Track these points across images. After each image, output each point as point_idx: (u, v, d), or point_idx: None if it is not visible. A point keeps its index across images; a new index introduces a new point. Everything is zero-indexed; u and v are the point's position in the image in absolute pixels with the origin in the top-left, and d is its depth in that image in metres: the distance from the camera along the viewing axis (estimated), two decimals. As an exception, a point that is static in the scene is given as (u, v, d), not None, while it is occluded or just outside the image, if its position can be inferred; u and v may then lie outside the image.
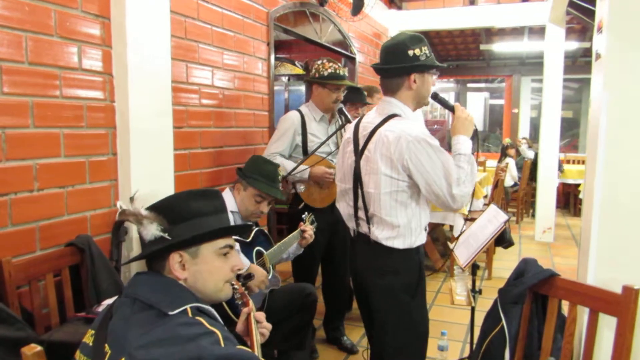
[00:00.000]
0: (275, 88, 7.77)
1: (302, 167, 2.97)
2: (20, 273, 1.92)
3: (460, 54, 9.80)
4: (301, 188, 3.09)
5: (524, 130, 9.97)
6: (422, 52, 1.99)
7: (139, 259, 1.38)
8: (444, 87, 12.52)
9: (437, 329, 3.46)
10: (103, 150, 2.37)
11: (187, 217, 1.35)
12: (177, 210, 1.35)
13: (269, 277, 2.47)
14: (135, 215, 1.31)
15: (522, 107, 10.05)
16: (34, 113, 2.05)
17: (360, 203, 2.06)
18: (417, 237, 2.03)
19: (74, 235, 2.21)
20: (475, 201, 5.85)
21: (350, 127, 2.19)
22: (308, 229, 2.67)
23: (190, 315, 1.21)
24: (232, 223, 2.40)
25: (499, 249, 5.89)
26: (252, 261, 2.38)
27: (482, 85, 13.04)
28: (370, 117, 2.08)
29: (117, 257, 2.37)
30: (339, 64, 3.12)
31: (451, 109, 2.10)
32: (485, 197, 6.28)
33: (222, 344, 1.14)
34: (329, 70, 3.05)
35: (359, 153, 2.04)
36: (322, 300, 3.52)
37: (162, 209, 1.34)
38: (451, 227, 5.22)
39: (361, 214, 2.07)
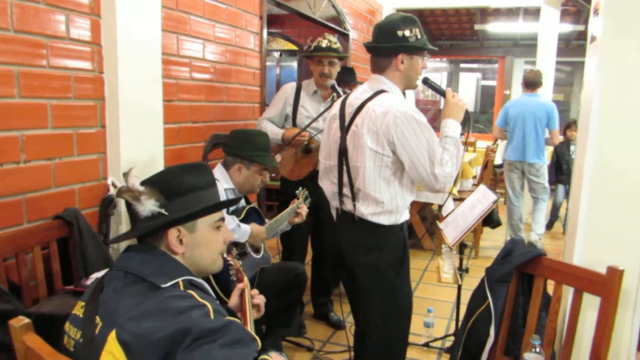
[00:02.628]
0: (268, 63, 7.73)
1: (275, 130, 3.00)
2: (7, 245, 1.90)
3: (454, 33, 9.74)
4: (278, 158, 3.09)
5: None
6: (412, 33, 1.98)
7: (136, 235, 1.36)
8: (437, 66, 12.47)
9: (423, 306, 3.51)
10: (91, 123, 2.33)
11: (183, 191, 1.34)
12: (173, 185, 1.34)
13: (260, 255, 2.48)
14: (132, 191, 1.29)
15: (513, 89, 10.04)
16: (20, 83, 2.01)
17: (345, 179, 2.06)
18: (402, 214, 2.05)
19: (62, 208, 2.18)
20: (465, 181, 5.89)
21: (337, 104, 2.18)
22: (303, 208, 2.67)
23: (181, 288, 1.22)
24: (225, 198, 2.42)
25: (486, 229, 5.95)
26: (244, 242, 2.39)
27: (475, 65, 13.01)
28: (358, 93, 2.07)
29: (105, 230, 2.35)
30: (331, 38, 3.08)
31: (442, 93, 2.10)
32: (475, 177, 6.31)
33: (212, 317, 1.15)
34: (315, 44, 3.03)
35: (345, 129, 2.03)
36: (310, 276, 3.55)
37: (157, 184, 1.33)
38: (440, 206, 5.25)
39: (346, 190, 2.07)
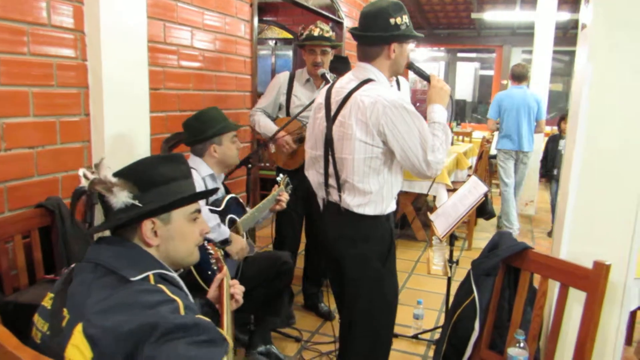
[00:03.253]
0: (262, 52, 7.67)
1: (272, 127, 2.98)
2: (-15, 234, 1.88)
3: (452, 22, 9.66)
4: (272, 149, 3.08)
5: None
6: (402, 21, 1.94)
7: (109, 227, 1.33)
8: (435, 55, 12.39)
9: (414, 297, 3.50)
10: (75, 111, 2.30)
11: (157, 183, 1.31)
12: (147, 177, 1.31)
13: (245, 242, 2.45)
14: (105, 183, 1.26)
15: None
16: (0, 70, 1.97)
17: (331, 170, 2.03)
18: (388, 205, 2.02)
19: (45, 196, 2.16)
20: (460, 172, 5.87)
21: (322, 93, 2.14)
22: (283, 196, 2.63)
23: (152, 282, 1.19)
24: (209, 187, 2.39)
25: (480, 220, 5.94)
26: None
27: (473, 55, 12.93)
28: (344, 82, 2.03)
29: (90, 219, 2.32)
30: (323, 26, 3.03)
31: (427, 78, 2.07)
32: (470, 168, 6.29)
33: (182, 313, 1.12)
34: (306, 33, 3.00)
35: (331, 119, 2.00)
36: (303, 265, 3.54)
37: (130, 176, 1.29)
38: (434, 197, 5.23)
39: (332, 181, 2.05)
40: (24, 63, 2.07)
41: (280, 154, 3.11)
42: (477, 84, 13.17)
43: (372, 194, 1.97)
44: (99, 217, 2.37)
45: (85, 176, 1.24)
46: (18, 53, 2.04)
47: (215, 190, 1.46)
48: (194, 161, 2.44)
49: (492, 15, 8.36)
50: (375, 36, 1.95)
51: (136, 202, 1.26)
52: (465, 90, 12.77)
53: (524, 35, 9.40)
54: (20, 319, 1.37)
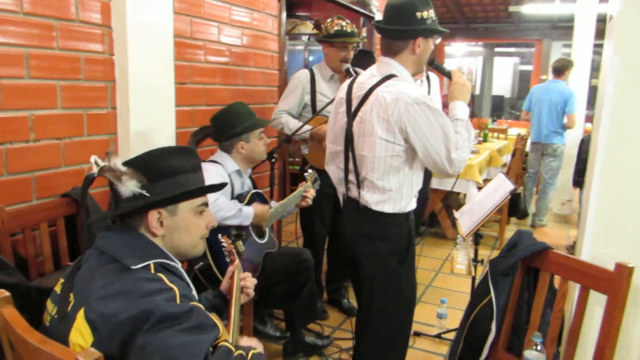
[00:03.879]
0: (296, 47, 7.67)
1: (305, 127, 2.92)
2: (14, 221, 1.95)
3: (489, 16, 9.45)
4: (305, 150, 3.06)
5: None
6: (429, 15, 1.91)
7: (116, 215, 1.37)
8: (472, 50, 12.16)
9: (438, 296, 3.46)
10: (102, 104, 2.36)
11: (166, 174, 1.33)
12: (156, 167, 1.33)
13: (265, 239, 2.47)
14: (114, 171, 1.28)
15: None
16: (29, 64, 2.04)
17: (350, 166, 2.02)
18: (408, 203, 1.99)
19: (71, 186, 2.22)
20: (493, 169, 5.75)
21: (342, 87, 2.12)
22: (310, 192, 2.64)
23: (152, 271, 1.21)
24: (235, 183, 2.42)
25: (514, 219, 5.82)
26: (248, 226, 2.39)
27: (512, 49, 12.63)
28: (365, 77, 2.01)
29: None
30: (348, 21, 3.02)
31: (448, 75, 2.04)
32: (504, 165, 6.16)
33: (178, 301, 1.14)
34: (336, 28, 2.97)
35: (351, 114, 1.98)
36: (326, 261, 3.54)
37: (140, 166, 1.31)
38: (465, 195, 5.14)
39: (351, 177, 2.03)
40: (53, 57, 2.13)
41: (316, 153, 3.09)
42: (517, 79, 12.86)
43: (391, 192, 1.95)
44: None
45: (96, 163, 1.27)
46: (47, 47, 2.10)
47: (223, 186, 1.48)
48: (220, 157, 2.47)
49: (530, 8, 8.14)
50: (400, 30, 1.92)
51: (144, 192, 1.28)
52: (503, 85, 12.49)
53: (565, 28, 9.10)
54: (42, 304, 1.42)
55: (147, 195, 1.28)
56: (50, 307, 1.26)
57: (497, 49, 12.16)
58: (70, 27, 2.18)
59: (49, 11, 2.09)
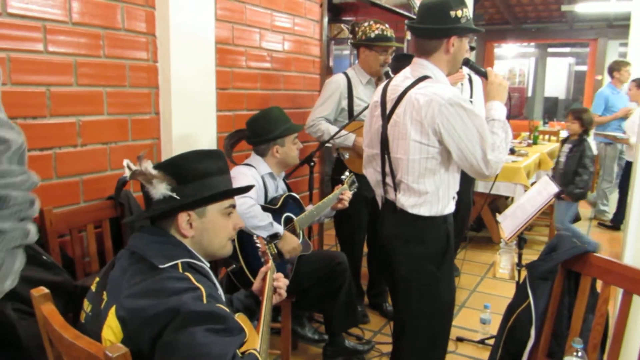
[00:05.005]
0: (343, 52, 7.70)
1: (344, 132, 2.92)
2: (61, 222, 2.05)
3: (541, 15, 9.18)
4: (345, 156, 3.05)
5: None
6: (463, 14, 1.88)
7: (146, 217, 1.42)
8: (524, 51, 11.85)
9: (482, 301, 3.38)
10: (145, 109, 2.45)
11: (195, 177, 1.38)
12: (186, 170, 1.37)
13: (299, 242, 2.49)
14: (145, 175, 1.33)
15: (607, 74, 9.32)
16: (77, 72, 2.15)
17: (387, 169, 2.01)
18: (446, 205, 1.96)
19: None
20: (543, 172, 5.57)
21: (377, 91, 2.12)
22: (346, 194, 2.64)
23: (180, 270, 1.25)
24: (269, 186, 2.46)
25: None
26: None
27: (567, 50, 12.22)
28: (399, 80, 1.99)
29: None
30: (386, 25, 3.01)
31: (484, 74, 2.00)
32: (554, 169, 5.96)
33: (205, 301, 1.17)
34: (376, 32, 2.95)
35: (386, 117, 1.98)
36: (367, 266, 3.53)
37: (170, 169, 1.36)
38: (512, 198, 5.01)
39: (389, 180, 2.03)
40: (100, 65, 2.23)
41: (356, 159, 3.09)
42: (572, 80, 12.44)
43: (427, 195, 1.93)
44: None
45: (128, 167, 1.32)
46: (95, 56, 2.21)
47: (249, 188, 1.51)
48: (254, 160, 2.52)
49: (584, 7, 7.85)
50: (434, 29, 1.90)
51: (174, 195, 1.32)
52: (557, 87, 12.10)
53: (622, 27, 8.73)
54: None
55: (177, 197, 1.33)
56: (86, 305, 1.32)
57: (550, 50, 11.81)
58: (117, 36, 2.28)
59: (97, 21, 2.19)
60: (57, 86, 2.08)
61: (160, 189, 1.32)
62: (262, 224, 2.25)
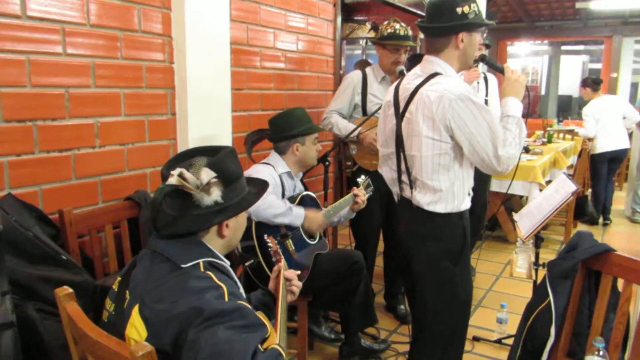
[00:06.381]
0: (355, 52, 7.69)
1: (352, 128, 2.93)
2: (80, 223, 2.07)
3: (554, 13, 9.09)
4: (353, 151, 3.07)
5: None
6: (471, 9, 1.88)
7: (204, 228, 1.35)
8: (537, 49, 11.76)
9: (499, 301, 3.36)
10: (162, 110, 2.47)
11: (234, 179, 1.37)
12: (227, 172, 1.34)
13: (315, 241, 2.49)
14: (206, 186, 1.28)
15: (622, 71, 9.23)
16: (95, 73, 2.17)
17: (403, 167, 2.01)
18: (461, 202, 1.96)
19: (134, 190, 2.35)
20: (558, 171, 5.53)
21: (390, 90, 2.12)
22: (361, 194, 2.64)
23: (201, 269, 1.26)
24: (286, 185, 2.47)
25: (582, 225, 5.56)
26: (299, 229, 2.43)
27: (581, 47, 12.10)
28: (411, 78, 2.00)
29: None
30: (403, 24, 3.00)
31: (500, 70, 1.99)
32: (571, 167, 5.91)
33: (227, 299, 1.18)
34: (389, 30, 2.95)
35: (399, 115, 1.98)
36: (383, 266, 3.52)
37: (217, 172, 1.31)
38: (527, 197, 4.97)
39: (404, 178, 2.03)
40: (117, 67, 2.25)
41: (364, 154, 3.10)
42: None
43: (442, 192, 1.93)
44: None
45: (182, 176, 1.25)
46: (112, 57, 2.23)
47: (266, 183, 1.53)
48: (273, 158, 2.53)
49: (599, 4, 7.76)
50: (441, 27, 1.90)
51: (221, 200, 1.31)
52: (571, 85, 11.99)
53: (637, 24, 8.65)
54: (104, 301, 1.50)
55: (222, 201, 1.31)
56: (108, 304, 1.33)
57: (563, 47, 11.70)
58: (134, 37, 2.30)
59: (114, 23, 2.21)
60: (76, 88, 2.10)
61: (214, 197, 1.29)
62: (281, 210, 2.28)
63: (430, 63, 1.95)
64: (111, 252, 2.20)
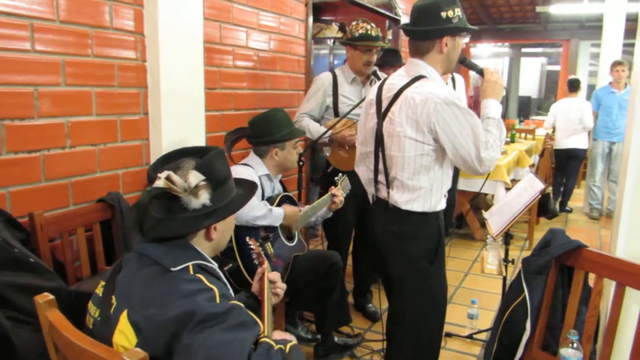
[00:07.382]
0: (321, 52, 7.70)
1: (320, 129, 2.95)
2: (52, 226, 2.00)
3: (516, 16, 9.34)
4: (326, 153, 3.08)
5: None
6: (455, 14, 1.91)
7: (191, 232, 1.33)
8: (498, 51, 12.04)
9: (469, 297, 3.43)
10: (134, 110, 2.41)
11: (222, 181, 1.34)
12: (216, 175, 1.32)
13: (294, 242, 2.49)
14: (194, 189, 1.25)
15: (579, 73, 9.55)
16: (65, 71, 2.10)
17: (380, 166, 2.02)
18: (438, 202, 1.99)
19: (106, 192, 2.28)
20: (520, 170, 5.68)
21: (373, 89, 2.14)
22: (339, 194, 2.65)
23: (191, 272, 1.23)
24: (266, 187, 2.46)
25: (544, 220, 5.73)
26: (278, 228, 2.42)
27: (539, 50, 12.46)
28: (395, 79, 2.02)
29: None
30: (373, 25, 3.02)
31: (480, 72, 2.03)
32: (532, 166, 6.08)
33: (218, 301, 1.16)
34: (360, 31, 2.97)
35: (381, 115, 1.99)
36: (352, 264, 3.53)
37: (205, 174, 1.28)
38: (493, 196, 5.09)
39: (381, 177, 2.04)
40: (88, 65, 2.19)
41: (338, 155, 3.11)
42: (544, 80, 12.68)
43: (421, 190, 1.96)
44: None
45: (169, 179, 1.21)
46: (83, 55, 2.16)
47: (254, 185, 1.52)
48: (253, 160, 2.51)
49: (558, 9, 8.02)
50: (426, 30, 1.93)
51: (210, 203, 1.28)
52: (530, 86, 12.34)
53: (594, 28, 8.96)
54: (80, 308, 1.45)
55: (210, 204, 1.28)
56: (93, 310, 1.28)
57: (524, 50, 12.02)
58: (105, 35, 2.24)
59: (84, 19, 2.15)
60: (45, 86, 2.03)
61: (202, 200, 1.27)
62: (261, 212, 2.27)
63: (415, 66, 1.97)
64: (83, 256, 2.13)
